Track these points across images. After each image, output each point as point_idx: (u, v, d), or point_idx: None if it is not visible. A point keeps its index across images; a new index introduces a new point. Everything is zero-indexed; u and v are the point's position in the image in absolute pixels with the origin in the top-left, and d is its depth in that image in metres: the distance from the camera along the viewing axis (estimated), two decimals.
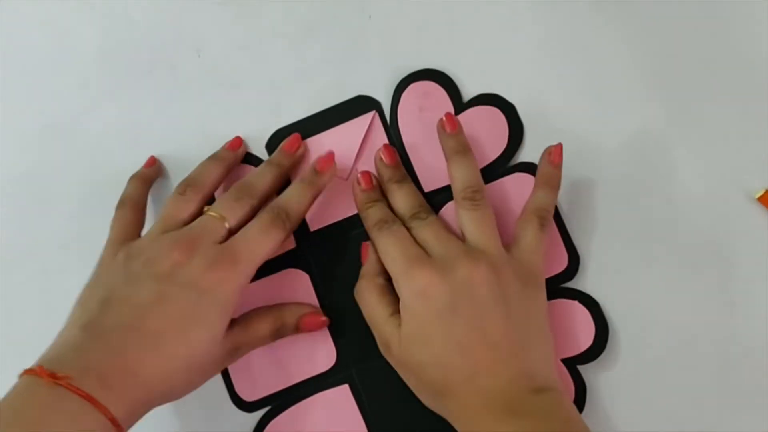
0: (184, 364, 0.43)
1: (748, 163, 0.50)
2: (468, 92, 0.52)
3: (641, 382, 0.49)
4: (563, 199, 0.51)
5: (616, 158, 0.51)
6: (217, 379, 0.51)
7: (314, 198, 0.49)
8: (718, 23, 0.51)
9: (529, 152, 0.51)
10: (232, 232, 0.46)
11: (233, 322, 0.47)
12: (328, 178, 0.50)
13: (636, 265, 0.50)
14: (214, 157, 0.51)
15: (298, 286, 0.52)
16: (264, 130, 0.53)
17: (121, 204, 0.50)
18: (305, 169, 0.51)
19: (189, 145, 0.53)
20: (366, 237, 0.49)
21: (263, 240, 0.46)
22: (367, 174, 0.50)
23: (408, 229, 0.47)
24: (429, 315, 0.44)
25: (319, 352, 0.51)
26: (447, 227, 0.47)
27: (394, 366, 0.47)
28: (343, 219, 0.52)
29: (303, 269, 0.52)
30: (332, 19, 0.54)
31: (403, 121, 0.52)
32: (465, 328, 0.43)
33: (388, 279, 0.47)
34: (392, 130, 0.52)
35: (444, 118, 0.49)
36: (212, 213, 0.47)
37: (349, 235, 0.52)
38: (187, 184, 0.49)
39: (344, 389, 0.51)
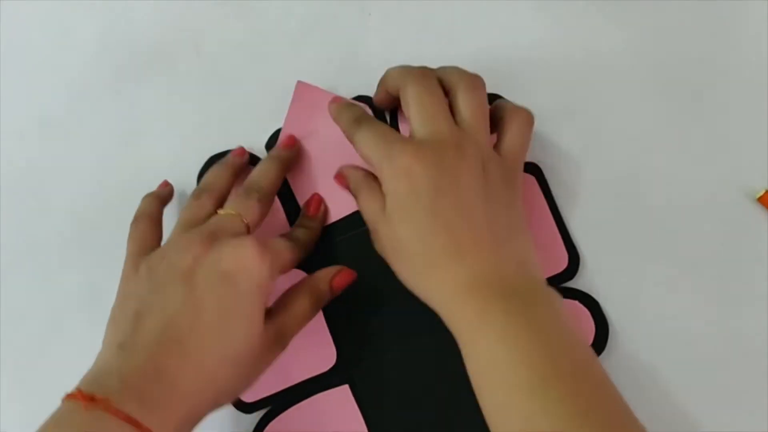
0: (227, 361, 0.42)
1: (748, 163, 0.49)
2: None
3: (641, 381, 0.49)
4: (563, 199, 0.51)
5: (616, 158, 0.51)
6: None
7: (316, 237, 0.51)
8: (718, 23, 0.51)
9: (529, 151, 0.51)
10: (249, 230, 0.46)
11: (270, 310, 0.46)
12: (322, 218, 0.52)
13: (636, 265, 0.50)
14: (222, 163, 0.51)
15: None
16: (264, 130, 0.53)
17: (137, 219, 0.50)
18: (301, 215, 0.52)
19: (189, 145, 0.53)
20: (368, 238, 0.49)
21: (286, 247, 0.47)
22: (337, 96, 0.51)
23: (402, 90, 0.46)
24: (412, 191, 0.42)
25: (319, 353, 0.51)
26: (446, 102, 0.45)
27: (382, 251, 0.46)
28: (344, 217, 0.52)
29: (303, 269, 0.52)
30: (332, 19, 0.54)
31: (403, 121, 0.52)
32: (450, 208, 0.42)
33: (376, 180, 0.46)
34: None
35: None
36: (227, 210, 0.47)
37: (349, 234, 0.51)
38: (202, 190, 0.49)
39: (344, 390, 0.51)
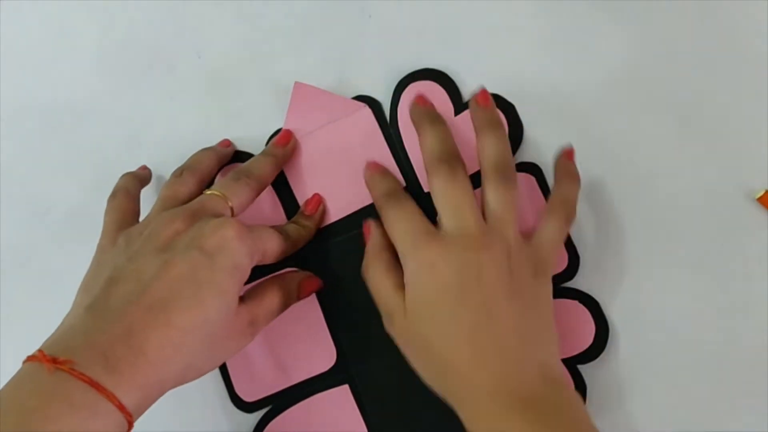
0: (198, 334, 0.40)
1: (748, 163, 0.49)
2: (468, 92, 0.52)
3: (641, 382, 0.49)
4: None
5: (616, 158, 0.51)
6: (217, 379, 0.51)
7: (309, 236, 0.51)
8: (718, 23, 0.51)
9: (529, 152, 0.51)
10: (233, 213, 0.46)
11: (243, 297, 0.46)
12: (319, 219, 0.52)
13: (636, 265, 0.50)
14: (206, 148, 0.52)
15: None
16: (264, 130, 0.53)
17: (114, 194, 0.50)
18: (298, 212, 0.52)
19: (189, 146, 0.53)
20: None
21: (270, 236, 0.46)
22: (374, 162, 0.50)
23: (429, 179, 0.45)
24: (436, 287, 0.42)
25: (319, 352, 0.51)
26: (473, 194, 0.45)
27: (396, 340, 0.45)
28: (344, 218, 0.52)
29: (302, 269, 0.52)
30: (332, 19, 0.54)
31: (403, 121, 0.52)
32: (472, 311, 0.42)
33: (394, 254, 0.46)
34: (392, 129, 0.52)
35: (477, 92, 0.48)
36: (213, 192, 0.46)
37: (349, 234, 0.51)
38: (183, 168, 0.49)
39: (344, 389, 0.51)
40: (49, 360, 0.37)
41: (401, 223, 0.45)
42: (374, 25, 0.54)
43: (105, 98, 0.56)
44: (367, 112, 0.52)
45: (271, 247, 0.46)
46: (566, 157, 0.48)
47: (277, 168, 0.51)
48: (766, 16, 0.50)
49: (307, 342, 0.51)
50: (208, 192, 0.47)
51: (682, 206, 0.50)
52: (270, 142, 0.53)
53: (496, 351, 0.41)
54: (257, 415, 0.51)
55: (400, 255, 0.45)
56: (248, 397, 0.51)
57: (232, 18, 0.55)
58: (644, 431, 0.49)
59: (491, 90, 0.52)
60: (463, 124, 0.50)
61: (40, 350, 0.38)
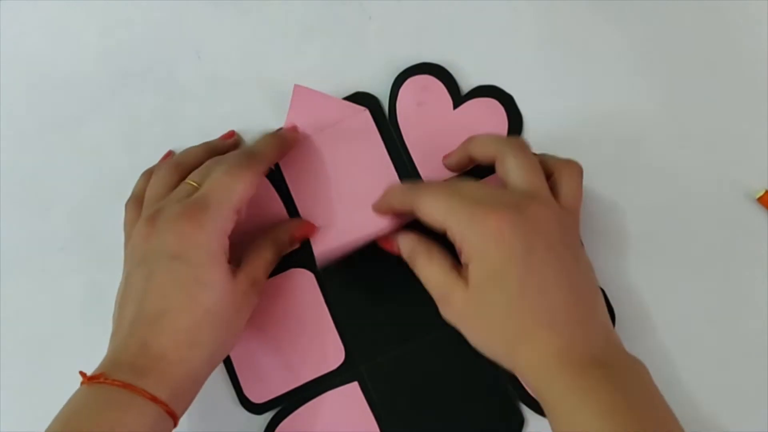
0: (205, 326, 0.43)
1: (748, 163, 0.50)
2: (466, 86, 0.53)
3: None
4: None
5: (616, 158, 0.51)
6: (226, 382, 0.52)
7: (284, 152, 0.50)
8: (718, 23, 0.51)
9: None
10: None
11: (241, 262, 0.46)
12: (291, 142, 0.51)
13: (636, 265, 0.50)
14: (202, 143, 0.52)
15: (304, 285, 0.52)
16: (264, 130, 0.53)
17: (129, 202, 0.50)
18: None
19: (188, 146, 0.53)
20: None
21: (230, 180, 0.44)
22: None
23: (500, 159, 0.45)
24: (505, 258, 0.41)
25: (327, 351, 0.51)
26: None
27: (455, 321, 0.44)
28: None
29: (308, 268, 0.52)
30: (332, 19, 0.54)
31: (402, 117, 0.52)
32: (543, 270, 0.41)
33: (435, 239, 0.45)
34: (392, 125, 0.52)
35: None
36: (186, 182, 0.46)
37: None
38: (168, 164, 0.49)
39: (354, 387, 0.51)
40: (88, 378, 0.42)
41: (444, 200, 0.43)
42: (374, 25, 0.53)
43: (105, 98, 0.55)
44: (366, 115, 0.52)
45: (239, 187, 0.45)
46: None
47: (278, 149, 0.50)
48: (766, 16, 0.50)
49: (315, 341, 0.51)
50: (182, 183, 0.47)
51: (682, 206, 0.50)
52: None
53: (567, 312, 0.40)
54: (267, 417, 0.52)
55: (455, 233, 0.42)
56: (257, 398, 0.51)
57: (232, 18, 0.55)
58: None
59: (489, 82, 0.52)
60: (462, 117, 0.50)
61: (80, 372, 0.42)
